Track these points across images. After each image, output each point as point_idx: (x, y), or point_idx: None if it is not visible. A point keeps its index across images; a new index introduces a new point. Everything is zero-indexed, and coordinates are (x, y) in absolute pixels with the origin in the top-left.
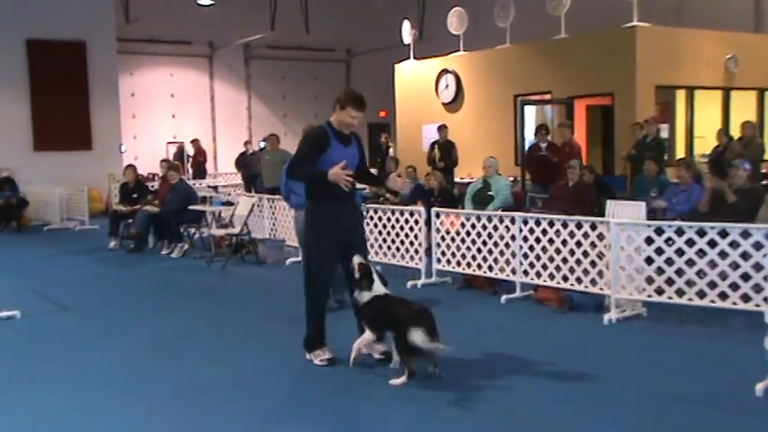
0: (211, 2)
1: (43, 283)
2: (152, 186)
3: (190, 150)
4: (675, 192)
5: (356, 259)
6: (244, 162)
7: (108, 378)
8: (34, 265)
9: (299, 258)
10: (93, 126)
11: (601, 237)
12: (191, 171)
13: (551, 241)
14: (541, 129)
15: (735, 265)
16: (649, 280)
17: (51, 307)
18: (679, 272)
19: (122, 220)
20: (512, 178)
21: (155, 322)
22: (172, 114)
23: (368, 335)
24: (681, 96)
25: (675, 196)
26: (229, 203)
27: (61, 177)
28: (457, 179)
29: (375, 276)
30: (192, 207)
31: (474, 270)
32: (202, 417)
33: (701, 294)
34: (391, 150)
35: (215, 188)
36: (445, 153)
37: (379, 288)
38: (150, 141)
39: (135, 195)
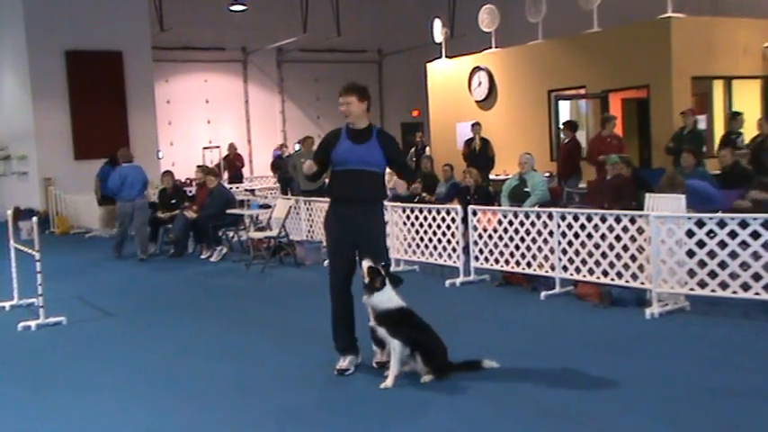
0: (244, 7)
1: (88, 289)
2: (190, 192)
3: (224, 153)
4: None
5: (365, 263)
6: (280, 165)
7: (151, 379)
8: (78, 272)
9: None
10: (130, 133)
11: (640, 230)
12: (226, 175)
13: (590, 236)
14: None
15: None
16: (691, 273)
17: (96, 312)
18: (722, 264)
19: (162, 225)
20: (548, 174)
21: (196, 325)
22: (207, 120)
23: (403, 349)
24: (718, 87)
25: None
26: (266, 206)
27: None
28: (492, 176)
29: (387, 280)
30: (229, 211)
31: (512, 267)
32: (243, 415)
33: (746, 287)
34: (427, 149)
35: (252, 191)
36: (481, 150)
37: (394, 296)
38: (187, 147)
39: (173, 201)
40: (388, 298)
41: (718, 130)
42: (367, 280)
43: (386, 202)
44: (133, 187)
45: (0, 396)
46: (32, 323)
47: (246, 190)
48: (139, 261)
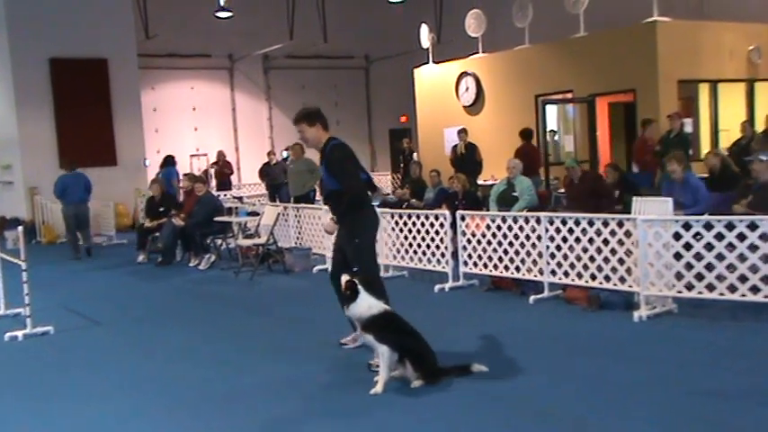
0: (230, 14)
1: (75, 298)
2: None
3: (212, 160)
4: (671, 187)
5: (343, 278)
6: (267, 172)
7: (140, 387)
8: (65, 281)
9: (327, 266)
10: (117, 142)
11: (628, 234)
12: (214, 182)
13: (578, 240)
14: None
15: (765, 258)
16: (679, 276)
17: (84, 321)
18: (709, 266)
19: (150, 233)
20: None
21: (185, 333)
22: (194, 127)
23: (391, 354)
24: (704, 90)
25: (676, 193)
26: (255, 214)
27: None
28: (480, 181)
29: (361, 288)
30: (217, 218)
31: (501, 272)
32: (232, 423)
33: (732, 289)
34: (415, 155)
35: (240, 199)
36: (467, 155)
37: (373, 301)
38: (174, 155)
39: (161, 209)
40: (368, 305)
41: (705, 133)
42: (346, 291)
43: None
44: (74, 193)
45: None
46: (20, 333)
47: (234, 197)
48: (76, 259)
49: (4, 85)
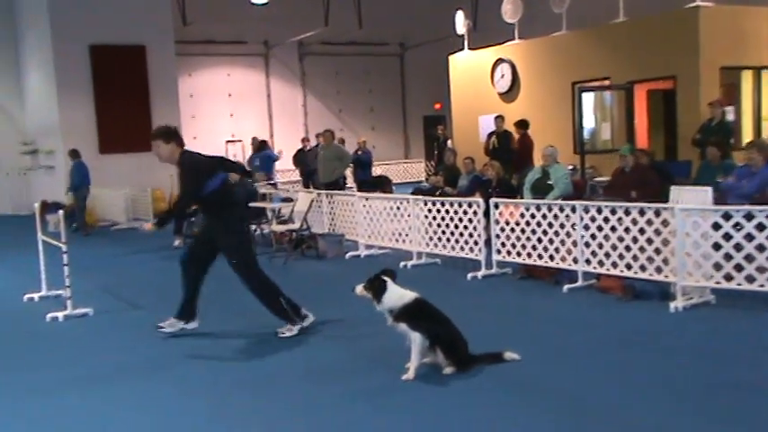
0: (265, 1)
1: (113, 281)
2: None
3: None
4: (745, 173)
5: (357, 288)
6: (301, 158)
7: (179, 368)
8: (104, 265)
9: (359, 252)
10: (154, 127)
11: (665, 223)
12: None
13: (613, 229)
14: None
15: None
16: (717, 266)
17: (122, 304)
18: (749, 257)
19: (186, 218)
20: (571, 167)
21: (219, 317)
22: (230, 114)
23: (423, 341)
24: (747, 77)
25: (745, 178)
26: (289, 200)
27: (126, 179)
28: None
29: (389, 281)
30: (252, 204)
31: (535, 260)
32: (271, 406)
33: None
34: (449, 142)
35: (274, 185)
36: (503, 143)
37: (404, 291)
38: (210, 141)
39: None
40: (399, 295)
41: (747, 122)
42: (369, 294)
43: (408, 195)
44: (86, 180)
45: (28, 384)
46: (60, 314)
47: (269, 183)
48: (86, 236)
49: (46, 72)
